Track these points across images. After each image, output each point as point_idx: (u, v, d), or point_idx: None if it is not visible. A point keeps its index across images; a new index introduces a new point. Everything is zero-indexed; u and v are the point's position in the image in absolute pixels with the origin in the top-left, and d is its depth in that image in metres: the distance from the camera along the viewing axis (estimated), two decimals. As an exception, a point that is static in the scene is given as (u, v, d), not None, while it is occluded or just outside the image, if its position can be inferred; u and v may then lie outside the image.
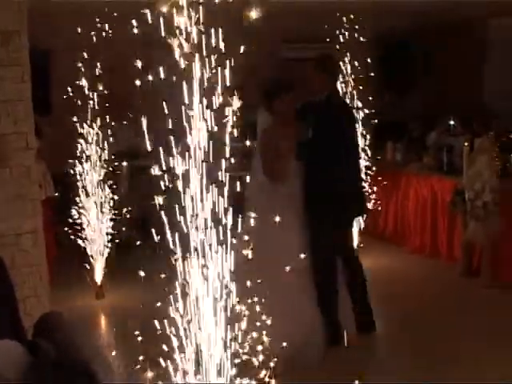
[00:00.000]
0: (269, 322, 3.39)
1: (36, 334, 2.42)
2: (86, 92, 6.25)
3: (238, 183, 3.04)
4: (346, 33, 7.11)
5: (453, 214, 7.04)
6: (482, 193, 6.27)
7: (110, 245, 6.44)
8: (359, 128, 7.17)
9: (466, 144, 6.71)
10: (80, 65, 6.23)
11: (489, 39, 9.41)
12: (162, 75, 2.88)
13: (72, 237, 6.31)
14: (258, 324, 3.37)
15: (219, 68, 2.93)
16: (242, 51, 3.02)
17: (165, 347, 3.05)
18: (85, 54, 6.19)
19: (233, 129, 2.99)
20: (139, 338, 3.24)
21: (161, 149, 2.93)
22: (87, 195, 6.31)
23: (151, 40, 2.86)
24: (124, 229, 6.78)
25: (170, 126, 2.92)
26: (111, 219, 6.43)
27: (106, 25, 6.10)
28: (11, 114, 4.41)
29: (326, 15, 6.95)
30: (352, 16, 7.13)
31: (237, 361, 3.10)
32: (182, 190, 2.94)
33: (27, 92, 4.50)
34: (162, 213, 2.98)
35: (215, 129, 2.94)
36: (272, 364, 3.32)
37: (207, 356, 2.99)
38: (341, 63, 6.96)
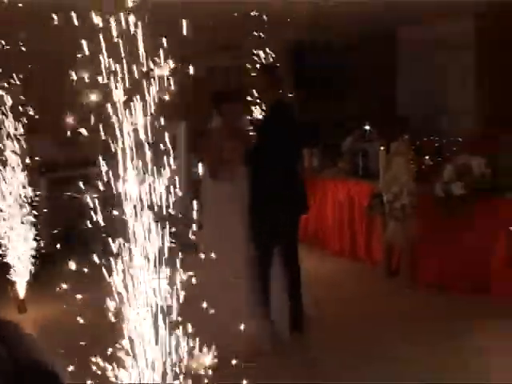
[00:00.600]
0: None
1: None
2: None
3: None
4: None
5: (370, 217, 7.27)
6: (400, 195, 6.51)
7: (32, 259, 6.31)
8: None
9: (382, 148, 6.95)
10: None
11: (400, 48, 9.77)
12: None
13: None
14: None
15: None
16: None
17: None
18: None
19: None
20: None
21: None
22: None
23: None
24: (46, 242, 6.65)
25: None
26: (35, 233, 6.31)
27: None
28: None
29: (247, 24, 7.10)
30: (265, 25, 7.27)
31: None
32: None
33: None
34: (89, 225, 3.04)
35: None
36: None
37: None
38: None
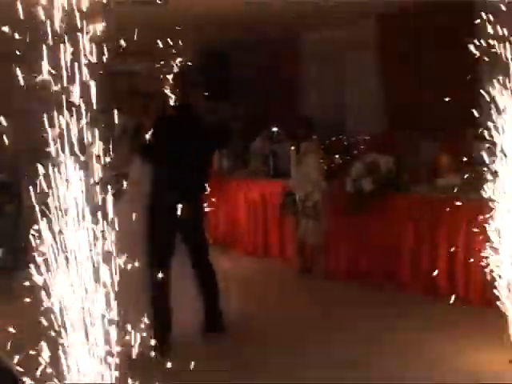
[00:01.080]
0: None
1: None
2: None
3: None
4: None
5: (283, 215, 7.44)
6: (311, 193, 6.71)
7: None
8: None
9: (292, 148, 7.13)
10: None
11: (306, 53, 9.99)
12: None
13: None
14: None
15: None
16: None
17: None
18: None
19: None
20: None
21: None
22: None
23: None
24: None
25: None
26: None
27: None
28: None
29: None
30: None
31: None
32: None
33: None
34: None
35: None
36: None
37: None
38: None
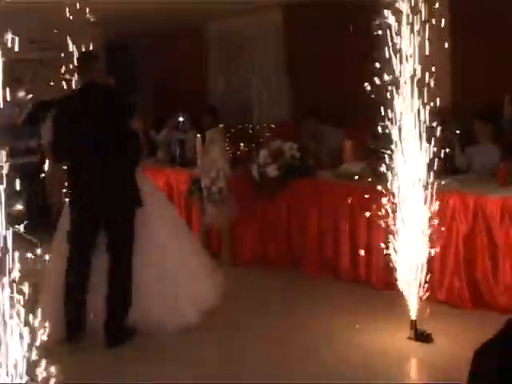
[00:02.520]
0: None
1: None
2: None
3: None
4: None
5: (189, 202, 7.45)
6: (216, 179, 6.74)
7: None
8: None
9: (198, 136, 7.14)
10: None
11: (209, 43, 10.01)
12: None
13: None
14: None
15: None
16: None
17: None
18: None
19: None
20: None
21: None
22: None
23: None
24: None
25: None
26: None
27: None
28: None
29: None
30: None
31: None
32: None
33: None
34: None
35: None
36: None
37: None
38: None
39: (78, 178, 4.95)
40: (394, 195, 4.62)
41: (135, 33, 10.03)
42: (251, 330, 5.12)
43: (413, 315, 4.70)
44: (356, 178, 5.85)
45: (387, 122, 4.49)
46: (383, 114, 4.49)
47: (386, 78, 4.42)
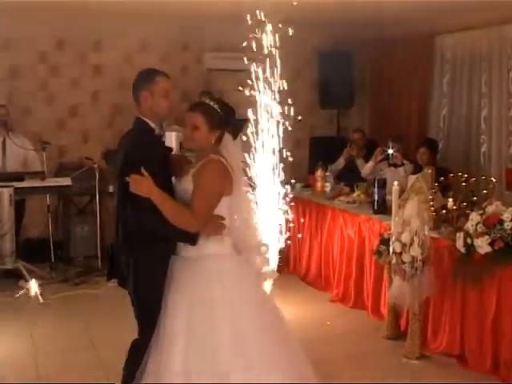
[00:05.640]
0: None
1: None
2: None
3: None
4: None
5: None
6: (410, 245, 5.15)
7: None
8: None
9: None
10: None
11: (434, 57, 8.40)
12: None
13: None
14: None
15: None
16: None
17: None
18: None
19: None
20: None
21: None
22: None
23: None
24: None
25: None
26: None
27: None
28: None
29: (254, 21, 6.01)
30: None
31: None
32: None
33: None
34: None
35: None
36: None
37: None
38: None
39: None
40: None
41: (353, 40, 8.83)
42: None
43: None
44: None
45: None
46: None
47: None
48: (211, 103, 3.68)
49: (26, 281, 6.94)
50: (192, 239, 3.60)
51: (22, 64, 8.21)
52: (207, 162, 3.61)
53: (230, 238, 3.71)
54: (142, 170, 3.45)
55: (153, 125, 3.74)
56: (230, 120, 3.74)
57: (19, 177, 7.04)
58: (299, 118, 6.30)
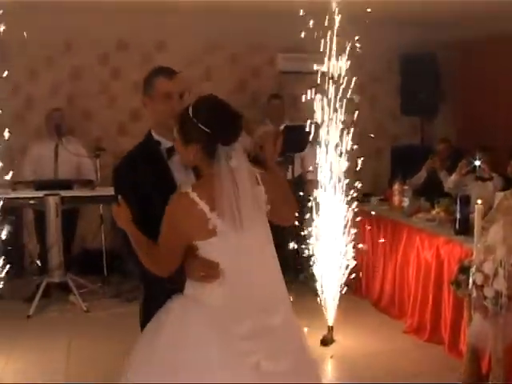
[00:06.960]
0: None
1: None
2: None
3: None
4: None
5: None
6: (493, 277, 4.34)
7: None
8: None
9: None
10: None
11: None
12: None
13: None
14: None
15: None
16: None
17: None
18: None
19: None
20: None
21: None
22: None
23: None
24: None
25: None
26: None
27: None
28: None
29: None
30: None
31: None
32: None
33: None
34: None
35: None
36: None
37: None
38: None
39: None
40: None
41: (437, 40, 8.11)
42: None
43: None
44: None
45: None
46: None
47: None
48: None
49: (75, 295, 6.55)
50: (175, 282, 2.92)
51: (82, 66, 7.89)
52: (175, 193, 2.83)
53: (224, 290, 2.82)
54: (120, 200, 2.89)
55: (158, 137, 3.12)
56: (227, 131, 2.77)
57: (67, 185, 6.62)
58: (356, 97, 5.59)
